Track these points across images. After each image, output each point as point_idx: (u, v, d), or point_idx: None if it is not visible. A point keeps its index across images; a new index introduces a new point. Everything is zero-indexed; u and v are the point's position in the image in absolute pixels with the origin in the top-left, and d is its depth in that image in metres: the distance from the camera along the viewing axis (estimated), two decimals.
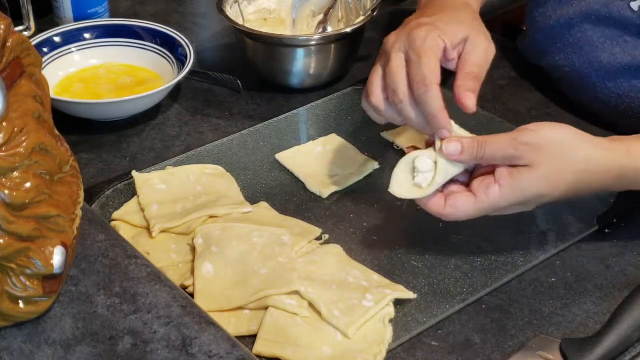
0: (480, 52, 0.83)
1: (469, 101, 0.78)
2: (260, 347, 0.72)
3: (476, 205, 0.75)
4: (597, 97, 0.99)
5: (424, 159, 0.76)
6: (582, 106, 1.03)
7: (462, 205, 0.75)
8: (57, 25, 1.10)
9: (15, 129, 0.62)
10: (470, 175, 0.79)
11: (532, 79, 1.10)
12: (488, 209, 0.75)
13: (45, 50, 1.04)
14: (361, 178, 0.92)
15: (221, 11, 1.06)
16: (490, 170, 0.76)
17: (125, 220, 0.84)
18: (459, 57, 0.83)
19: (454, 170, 0.77)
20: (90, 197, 0.86)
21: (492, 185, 0.74)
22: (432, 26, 0.82)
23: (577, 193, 0.77)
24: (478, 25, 0.86)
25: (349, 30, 1.03)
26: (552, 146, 0.75)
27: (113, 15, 1.19)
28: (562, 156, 0.75)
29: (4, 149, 0.61)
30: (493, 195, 0.74)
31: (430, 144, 0.79)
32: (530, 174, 0.74)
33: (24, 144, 0.62)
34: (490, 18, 1.34)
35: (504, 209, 0.76)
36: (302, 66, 1.04)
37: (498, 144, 0.75)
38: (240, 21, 1.08)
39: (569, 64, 1.00)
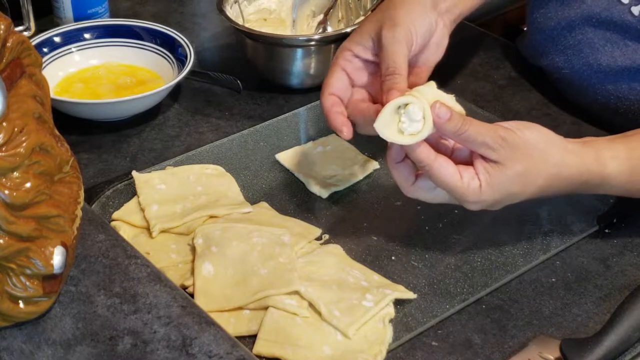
0: (389, 47, 0.80)
1: (391, 96, 0.77)
2: (260, 347, 0.72)
3: (457, 183, 0.73)
4: (597, 99, 0.99)
5: (416, 108, 0.73)
6: (582, 107, 1.03)
7: (448, 173, 0.73)
8: (57, 25, 1.10)
9: (15, 129, 0.62)
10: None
11: (532, 79, 1.10)
12: (462, 194, 0.74)
13: (45, 50, 1.04)
14: (361, 178, 0.92)
15: (221, 11, 1.06)
16: (468, 160, 0.75)
17: (125, 220, 0.84)
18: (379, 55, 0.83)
19: (433, 130, 0.74)
20: (90, 197, 0.86)
21: (475, 178, 0.74)
22: (351, 34, 0.86)
23: (543, 195, 0.77)
24: (392, 15, 0.83)
25: (349, 30, 1.03)
26: (528, 148, 0.74)
27: (113, 15, 1.19)
28: (536, 159, 0.75)
29: (4, 149, 0.61)
30: (473, 187, 0.73)
31: None
32: (504, 173, 0.73)
33: (24, 144, 0.62)
34: (490, 18, 1.34)
35: (475, 204, 0.75)
36: (302, 66, 1.04)
37: (481, 128, 0.74)
38: (240, 21, 1.08)
39: (568, 65, 1.00)
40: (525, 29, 1.16)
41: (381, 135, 0.74)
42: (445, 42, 0.88)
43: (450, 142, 0.77)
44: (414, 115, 0.73)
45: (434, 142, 0.76)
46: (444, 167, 0.74)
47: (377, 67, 0.83)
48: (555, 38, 1.01)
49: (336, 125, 0.80)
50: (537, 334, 0.75)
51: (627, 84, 0.95)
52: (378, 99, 0.82)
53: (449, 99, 0.76)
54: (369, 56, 0.83)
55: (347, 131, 0.80)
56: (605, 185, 0.79)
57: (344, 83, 0.83)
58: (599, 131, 1.01)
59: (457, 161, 0.75)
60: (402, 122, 0.74)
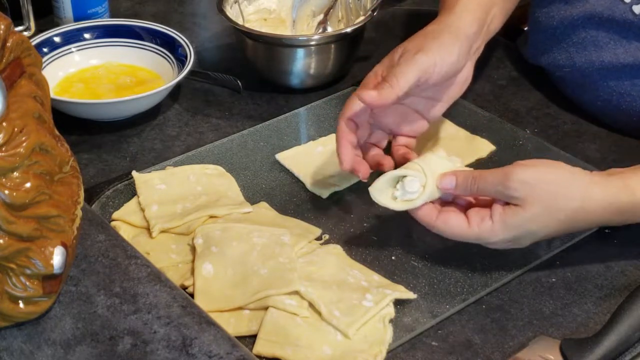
0: (403, 65, 0.83)
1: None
2: (260, 347, 0.72)
3: (466, 231, 0.76)
4: (599, 96, 0.99)
5: (414, 182, 0.77)
6: (583, 106, 1.03)
7: (453, 225, 0.76)
8: (57, 25, 1.10)
9: (15, 129, 0.62)
10: (469, 203, 0.80)
11: (532, 79, 1.10)
12: (476, 239, 0.76)
13: (45, 50, 1.04)
14: None
15: (221, 11, 1.06)
16: (489, 202, 0.77)
17: (125, 220, 0.84)
18: None
19: (438, 193, 0.79)
20: (90, 197, 0.86)
21: (486, 218, 0.75)
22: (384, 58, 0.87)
23: (573, 228, 0.78)
24: (423, 42, 0.85)
25: (349, 30, 1.03)
26: (545, 184, 0.74)
27: (113, 15, 1.19)
28: (555, 195, 0.75)
29: (4, 149, 0.61)
30: (484, 228, 0.75)
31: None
32: (521, 214, 0.74)
33: (24, 144, 0.62)
34: None
35: (493, 243, 0.77)
36: (302, 66, 1.04)
37: (489, 179, 0.76)
38: (240, 21, 1.08)
39: (569, 63, 1.00)
40: (525, 29, 1.16)
41: (375, 200, 0.79)
42: (469, 80, 0.91)
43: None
44: (410, 188, 0.77)
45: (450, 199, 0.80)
46: (448, 222, 0.77)
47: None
48: (557, 37, 1.01)
49: (341, 155, 0.83)
50: (537, 334, 0.75)
51: (630, 81, 0.96)
52: (395, 133, 0.89)
53: (455, 163, 0.81)
54: None
55: (346, 165, 0.83)
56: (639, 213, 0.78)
57: (363, 108, 0.85)
58: (600, 130, 1.01)
59: (476, 204, 0.78)
60: (396, 190, 0.78)
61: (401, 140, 0.89)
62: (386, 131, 0.89)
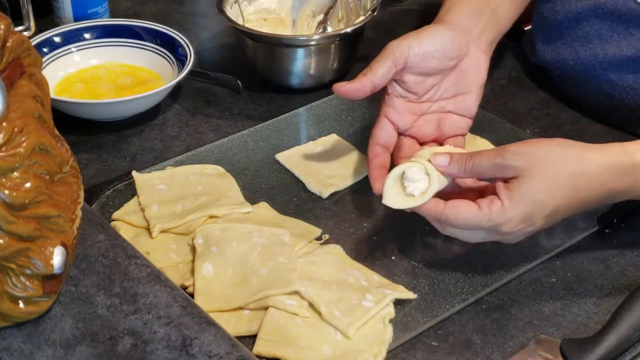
0: (379, 55, 0.85)
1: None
2: (260, 347, 0.72)
3: (478, 214, 0.74)
4: (601, 90, 0.99)
5: (413, 169, 0.76)
6: (584, 104, 1.04)
7: (463, 210, 0.74)
8: (57, 25, 1.10)
9: (15, 129, 0.62)
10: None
11: (533, 78, 1.10)
12: (489, 221, 0.74)
13: (45, 50, 1.04)
14: (361, 178, 0.92)
15: (221, 11, 1.06)
16: (493, 191, 0.76)
17: (125, 220, 0.84)
18: None
19: (445, 180, 0.78)
20: (90, 197, 0.86)
21: (494, 200, 0.74)
22: None
23: (580, 201, 0.75)
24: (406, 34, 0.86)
25: (349, 30, 1.03)
26: (541, 152, 0.74)
27: (113, 15, 1.19)
28: (552, 160, 0.74)
29: (4, 149, 0.61)
30: (495, 209, 0.73)
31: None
32: (524, 184, 0.73)
33: (24, 144, 0.62)
34: None
35: (508, 231, 0.75)
36: (302, 66, 1.04)
37: (486, 154, 0.76)
38: (240, 21, 1.08)
39: (573, 57, 1.00)
40: (526, 29, 1.16)
41: (394, 207, 0.77)
42: (484, 64, 0.90)
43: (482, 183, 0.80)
44: (414, 176, 0.76)
45: (458, 191, 0.80)
46: (457, 208, 0.75)
47: (417, 106, 0.88)
48: (562, 31, 1.01)
49: (371, 178, 0.83)
50: (537, 334, 0.75)
51: (632, 74, 0.96)
52: (440, 140, 0.88)
53: (447, 148, 0.81)
54: (395, 86, 0.87)
55: (377, 189, 0.81)
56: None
57: (388, 130, 0.87)
58: (601, 129, 1.01)
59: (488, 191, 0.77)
60: (407, 187, 0.77)
61: (449, 143, 0.88)
62: (432, 140, 0.89)
